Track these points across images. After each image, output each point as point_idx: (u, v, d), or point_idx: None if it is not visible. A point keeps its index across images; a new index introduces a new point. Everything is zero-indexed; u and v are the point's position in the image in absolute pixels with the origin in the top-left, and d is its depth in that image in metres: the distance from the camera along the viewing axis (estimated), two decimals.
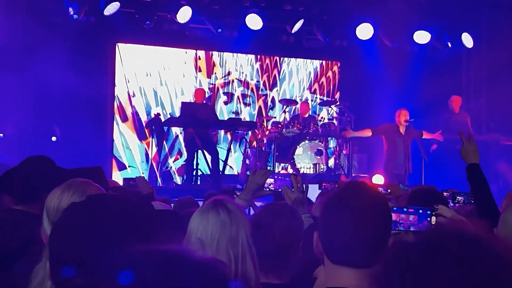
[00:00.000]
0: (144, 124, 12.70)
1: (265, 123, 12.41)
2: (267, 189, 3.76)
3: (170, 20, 11.90)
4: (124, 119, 12.71)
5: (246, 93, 13.79)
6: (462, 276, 1.22)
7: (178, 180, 12.66)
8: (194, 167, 11.41)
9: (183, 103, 12.11)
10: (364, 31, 12.41)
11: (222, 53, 13.55)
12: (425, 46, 12.82)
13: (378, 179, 10.38)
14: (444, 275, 1.23)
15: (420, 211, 2.43)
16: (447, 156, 11.72)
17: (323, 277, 2.31)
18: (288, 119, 12.14)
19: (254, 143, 12.33)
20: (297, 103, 13.02)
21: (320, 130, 11.81)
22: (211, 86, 13.43)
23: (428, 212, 2.37)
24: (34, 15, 10.40)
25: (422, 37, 12.60)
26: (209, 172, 11.57)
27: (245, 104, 13.76)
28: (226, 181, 11.21)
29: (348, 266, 1.99)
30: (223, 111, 13.52)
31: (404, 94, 12.57)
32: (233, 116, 13.36)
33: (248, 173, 11.03)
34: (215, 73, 13.53)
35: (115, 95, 12.62)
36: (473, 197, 3.81)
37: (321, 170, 11.63)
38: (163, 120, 12.16)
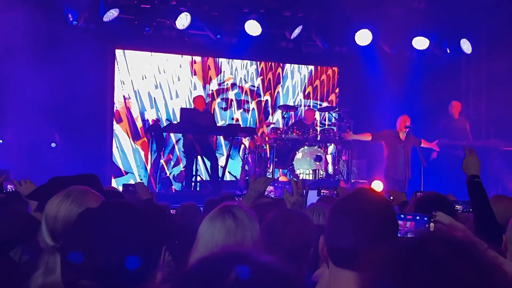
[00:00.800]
0: (138, 128, 12.70)
1: (264, 129, 12.40)
2: (268, 197, 3.77)
3: (169, 27, 11.92)
4: (135, 135, 12.75)
5: (245, 99, 13.80)
6: (442, 283, 1.23)
7: (177, 186, 12.65)
8: (194, 173, 11.42)
9: (182, 109, 12.12)
10: (363, 37, 12.42)
11: (219, 59, 13.55)
12: (424, 52, 12.84)
13: (377, 185, 10.39)
14: (424, 282, 1.24)
15: (418, 218, 2.44)
16: (446, 162, 11.73)
17: (326, 280, 2.32)
18: (287, 125, 12.14)
19: (254, 149, 12.32)
20: (296, 109, 13.03)
21: (319, 136, 11.82)
22: (210, 92, 13.44)
23: (426, 219, 2.38)
24: (33, 22, 10.41)
25: (421, 43, 12.61)
26: (208, 178, 11.57)
27: (244, 110, 13.77)
28: (225, 187, 11.22)
29: (353, 270, 2.00)
30: (222, 117, 13.52)
31: (403, 100, 12.58)
32: (232, 122, 13.37)
33: (247, 179, 11.04)
34: (211, 78, 13.53)
35: (115, 101, 12.63)
36: (473, 212, 3.82)
37: (320, 176, 11.63)
38: (162, 126, 12.20)
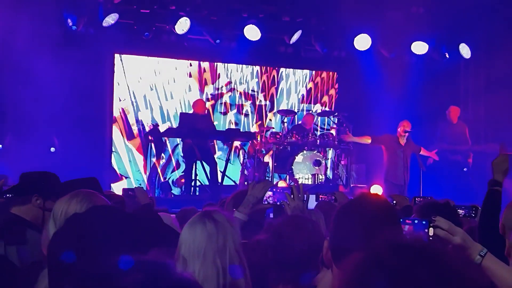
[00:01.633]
0: (130, 126, 12.70)
1: (263, 134, 12.41)
2: (266, 202, 3.77)
3: (168, 31, 11.94)
4: (129, 135, 12.72)
5: (244, 103, 13.80)
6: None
7: (176, 191, 12.65)
8: (193, 177, 11.42)
9: (181, 114, 12.13)
10: (362, 42, 12.44)
11: (218, 63, 13.56)
12: (423, 57, 12.85)
13: (376, 189, 10.39)
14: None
15: (416, 222, 2.44)
16: (445, 167, 11.74)
17: (326, 284, 2.32)
18: (286, 129, 12.14)
19: (253, 154, 12.33)
20: (295, 113, 13.04)
21: (318, 140, 11.82)
22: (209, 96, 13.44)
23: (424, 223, 2.38)
24: (33, 27, 10.42)
25: (420, 47, 12.63)
26: (207, 183, 11.57)
27: (244, 115, 13.77)
28: (224, 191, 11.20)
29: None
30: (221, 121, 13.53)
31: (402, 105, 12.58)
32: (232, 126, 13.37)
33: (246, 183, 11.04)
34: (210, 82, 13.54)
35: (113, 105, 12.63)
36: (480, 217, 3.80)
37: (320, 180, 11.63)
38: (161, 130, 12.21)
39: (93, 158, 11.27)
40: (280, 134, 11.76)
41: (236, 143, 13.13)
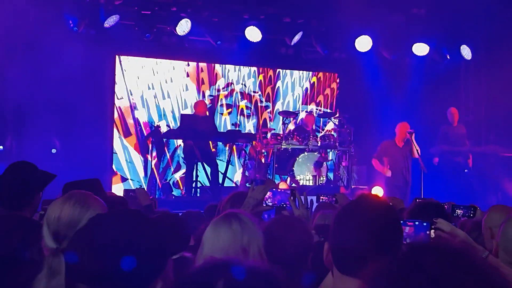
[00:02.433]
0: (127, 126, 12.70)
1: (265, 135, 12.40)
2: (265, 204, 3.77)
3: (169, 33, 11.93)
4: (127, 133, 12.71)
5: (245, 104, 13.80)
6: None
7: (176, 192, 12.64)
8: (194, 179, 11.42)
9: (182, 115, 12.13)
10: (363, 43, 12.43)
11: (219, 64, 13.56)
12: (424, 58, 12.84)
13: (377, 191, 10.37)
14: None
15: (417, 223, 2.44)
16: (446, 169, 11.73)
17: (328, 283, 2.32)
18: (287, 131, 12.14)
19: (254, 155, 12.33)
20: (296, 115, 13.04)
21: (319, 142, 11.82)
22: (211, 98, 13.44)
23: (425, 225, 2.38)
24: (34, 28, 10.43)
25: (421, 49, 12.62)
26: (208, 184, 11.57)
27: (245, 116, 13.77)
28: (225, 193, 11.15)
29: (357, 278, 2.00)
30: (222, 123, 13.53)
31: (403, 106, 12.58)
32: (233, 128, 13.37)
33: (247, 185, 11.03)
34: (211, 83, 13.54)
35: (114, 107, 12.63)
36: None
37: (321, 182, 11.63)
38: (162, 132, 12.20)
39: (94, 160, 11.26)
40: (281, 135, 11.76)
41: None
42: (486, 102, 12.88)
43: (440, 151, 11.80)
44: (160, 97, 13.05)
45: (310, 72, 14.33)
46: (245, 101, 13.80)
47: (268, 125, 13.70)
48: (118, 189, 11.72)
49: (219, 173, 11.70)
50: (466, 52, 12.56)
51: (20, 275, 2.69)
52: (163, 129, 12.66)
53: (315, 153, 11.71)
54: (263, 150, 12.01)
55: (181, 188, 12.59)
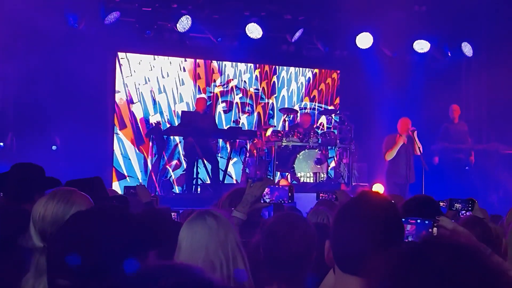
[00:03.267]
0: (141, 132, 12.69)
1: (265, 132, 12.40)
2: (263, 201, 3.76)
3: (170, 29, 11.92)
4: (123, 126, 12.70)
5: (246, 101, 13.79)
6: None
7: (177, 189, 12.64)
8: (194, 176, 11.41)
9: (183, 112, 12.12)
10: (364, 40, 12.42)
11: (219, 62, 13.54)
12: (425, 55, 12.83)
13: (378, 188, 10.37)
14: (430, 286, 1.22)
15: (419, 221, 2.43)
16: (448, 165, 11.71)
17: (328, 284, 2.30)
18: (287, 128, 12.13)
19: (254, 152, 12.32)
20: (297, 112, 13.03)
21: (320, 139, 11.81)
22: (210, 94, 13.43)
23: (427, 223, 2.37)
24: (35, 25, 10.41)
25: (422, 46, 12.61)
26: (209, 181, 11.57)
27: (245, 113, 13.76)
28: (226, 190, 11.14)
29: (359, 276, 1.98)
30: (223, 120, 13.52)
31: (404, 103, 12.56)
32: (233, 125, 13.37)
33: (248, 179, 11.02)
34: (211, 80, 13.53)
35: (115, 103, 12.62)
36: None
37: (321, 179, 11.63)
38: (163, 129, 12.18)
39: (94, 157, 11.26)
40: (282, 132, 11.75)
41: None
42: (487, 99, 12.87)
43: (441, 148, 11.78)
44: (157, 91, 13.02)
45: (314, 71, 14.33)
46: (245, 98, 13.78)
47: (269, 122, 13.69)
48: (114, 186, 11.73)
49: (220, 170, 11.70)
50: (467, 49, 12.55)
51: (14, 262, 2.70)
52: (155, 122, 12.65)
53: (316, 150, 11.71)
54: (264, 147, 12.00)
55: (177, 190, 12.58)
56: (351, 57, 13.10)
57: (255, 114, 13.84)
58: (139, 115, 12.76)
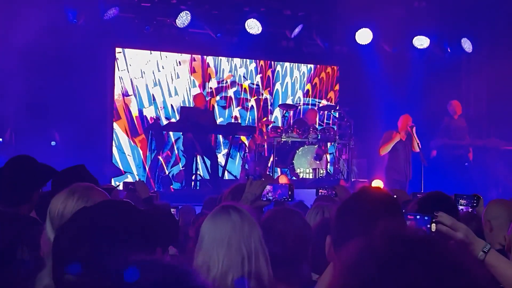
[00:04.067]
0: (136, 125, 12.66)
1: (264, 128, 12.39)
2: (265, 198, 3.76)
3: (169, 25, 11.90)
4: (117, 118, 12.66)
5: (245, 97, 13.78)
6: (412, 279, 1.19)
7: (176, 186, 12.63)
8: (193, 172, 11.41)
9: (182, 107, 12.11)
10: (364, 36, 12.41)
11: (219, 57, 13.52)
12: (425, 51, 12.82)
13: (377, 184, 10.37)
14: (392, 278, 1.20)
15: (418, 217, 2.42)
16: (447, 162, 11.71)
17: (326, 279, 2.30)
18: (288, 124, 12.12)
19: (254, 148, 12.31)
20: (296, 107, 13.02)
21: (319, 135, 11.80)
22: (209, 90, 13.42)
23: (426, 219, 2.36)
24: (33, 21, 10.39)
25: (421, 42, 12.60)
26: (208, 177, 11.57)
27: (244, 109, 13.75)
28: (225, 186, 11.15)
29: None
30: (221, 116, 13.50)
31: (404, 99, 12.55)
32: (232, 121, 13.35)
33: (247, 178, 11.01)
34: (210, 76, 13.51)
35: (114, 99, 12.60)
36: None
37: (321, 175, 11.62)
38: (162, 124, 12.18)
39: (94, 152, 11.23)
40: (281, 128, 11.74)
41: (243, 138, 13.08)
42: (487, 95, 12.87)
43: (440, 144, 11.78)
44: (167, 94, 13.04)
45: (315, 66, 14.31)
46: (245, 94, 13.77)
47: (269, 118, 13.68)
48: (113, 183, 11.72)
49: (219, 166, 11.70)
50: (467, 45, 12.54)
51: (13, 274, 2.67)
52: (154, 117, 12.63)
53: (315, 146, 11.70)
54: (263, 143, 12.00)
55: (175, 187, 12.58)
56: (351, 53, 13.09)
57: (255, 110, 13.82)
58: (133, 107, 12.72)
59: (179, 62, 13.19)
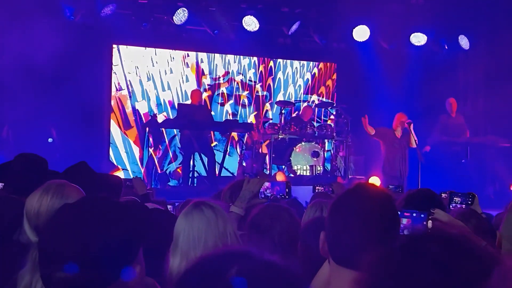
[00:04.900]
0: (126, 116, 12.65)
1: (261, 125, 12.38)
2: (263, 195, 3.76)
3: (166, 22, 11.89)
4: (126, 125, 12.67)
5: (242, 94, 13.77)
6: (441, 280, 1.21)
7: (173, 183, 12.61)
8: (191, 169, 11.40)
9: (179, 104, 12.10)
10: (361, 33, 12.41)
11: (216, 54, 13.50)
12: (422, 48, 12.82)
13: (374, 181, 10.38)
14: (423, 279, 1.22)
15: (414, 215, 2.42)
16: (444, 158, 11.73)
17: (322, 275, 2.30)
18: (285, 121, 12.11)
19: (251, 145, 12.30)
20: (294, 104, 13.02)
21: (316, 132, 11.80)
22: (206, 87, 13.40)
23: (423, 216, 2.36)
24: (31, 18, 10.37)
25: (419, 39, 12.61)
26: (205, 174, 11.56)
27: (241, 106, 13.74)
28: (222, 183, 11.17)
29: (353, 269, 1.97)
30: (219, 112, 13.50)
31: (401, 96, 12.56)
32: (230, 117, 13.35)
33: (244, 175, 11.02)
34: (208, 73, 13.50)
35: (111, 96, 12.58)
36: None
37: (318, 172, 11.62)
38: (159, 121, 12.15)
39: (91, 149, 11.23)
40: (278, 125, 11.74)
41: (234, 134, 13.07)
42: (484, 92, 12.87)
43: (437, 141, 11.79)
44: (160, 89, 13.01)
45: (312, 63, 14.31)
46: (242, 90, 13.76)
47: (267, 116, 13.67)
48: None
49: (216, 163, 11.69)
50: (464, 42, 12.55)
51: (5, 253, 2.68)
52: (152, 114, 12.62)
53: (313, 143, 11.70)
54: (260, 140, 11.99)
55: (177, 178, 12.57)
56: (348, 50, 13.09)
57: (252, 107, 13.81)
58: (126, 101, 12.70)
59: (173, 57, 13.17)
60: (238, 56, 13.71)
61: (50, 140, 11.09)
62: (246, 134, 12.69)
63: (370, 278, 1.29)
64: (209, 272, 1.29)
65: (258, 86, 13.89)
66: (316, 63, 14.38)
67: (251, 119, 13.64)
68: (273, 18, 12.34)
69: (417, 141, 10.69)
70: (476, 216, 4.15)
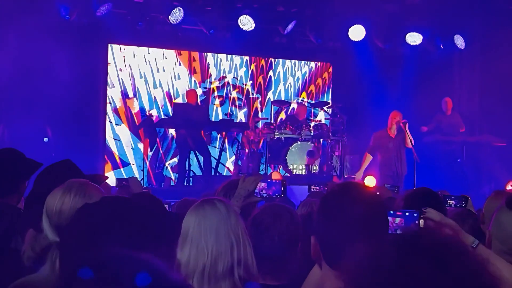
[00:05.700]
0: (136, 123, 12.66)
1: (257, 124, 12.38)
2: (259, 195, 3.76)
3: (162, 21, 11.88)
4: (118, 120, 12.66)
5: (237, 96, 13.76)
6: (433, 278, 1.21)
7: (169, 181, 12.60)
8: (186, 168, 11.40)
9: (175, 104, 12.10)
10: (357, 32, 12.42)
11: (211, 54, 13.50)
12: (418, 48, 12.83)
13: (370, 180, 10.38)
14: (415, 277, 1.22)
15: (407, 214, 2.42)
16: (439, 157, 11.75)
17: (315, 277, 2.30)
18: (280, 120, 12.12)
19: (247, 144, 12.30)
20: (290, 104, 13.02)
21: (312, 131, 11.80)
22: (204, 89, 13.39)
23: (415, 215, 2.37)
24: (26, 17, 10.35)
25: (414, 38, 12.61)
26: (201, 173, 11.56)
27: (238, 106, 13.74)
28: (218, 182, 11.13)
29: (340, 271, 1.97)
30: (214, 113, 13.49)
31: (396, 95, 12.58)
32: (226, 117, 13.35)
33: (240, 174, 11.02)
34: (203, 74, 13.49)
35: (107, 95, 12.58)
36: None
37: (314, 171, 11.63)
38: (155, 121, 12.15)
39: (86, 148, 11.22)
40: (274, 124, 11.74)
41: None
42: (479, 91, 12.90)
43: (433, 140, 11.81)
44: (138, 77, 12.98)
45: (303, 62, 14.31)
46: (237, 90, 13.75)
47: (259, 115, 13.67)
48: (110, 177, 11.68)
49: (212, 159, 11.70)
50: (459, 41, 12.56)
51: (5, 263, 2.66)
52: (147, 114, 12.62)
53: (308, 143, 11.71)
54: (256, 139, 11.99)
55: (173, 177, 12.55)
56: (344, 49, 13.10)
57: (246, 107, 13.81)
58: (117, 97, 12.69)
59: (166, 56, 13.16)
60: (234, 56, 13.69)
61: (45, 139, 11.07)
62: (242, 134, 12.69)
63: (359, 279, 1.30)
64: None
65: (253, 86, 13.87)
66: (312, 62, 14.37)
67: (241, 116, 13.63)
68: (268, 17, 12.34)
69: (413, 141, 10.70)
70: (472, 216, 4.16)
